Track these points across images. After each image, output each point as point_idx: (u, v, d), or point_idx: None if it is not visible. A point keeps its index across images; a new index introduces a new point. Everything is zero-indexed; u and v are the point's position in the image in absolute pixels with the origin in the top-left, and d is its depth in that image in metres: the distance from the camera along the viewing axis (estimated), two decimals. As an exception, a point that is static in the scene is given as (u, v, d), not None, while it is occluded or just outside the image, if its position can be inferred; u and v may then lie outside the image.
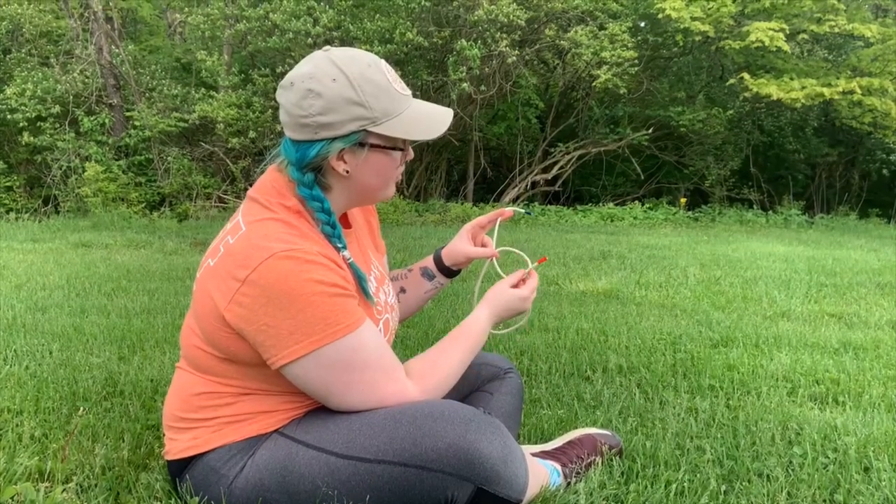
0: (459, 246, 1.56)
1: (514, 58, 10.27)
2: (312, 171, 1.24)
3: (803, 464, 1.63)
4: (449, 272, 1.60)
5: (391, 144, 1.25)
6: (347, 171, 1.25)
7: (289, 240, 1.16)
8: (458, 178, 14.06)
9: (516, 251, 1.59)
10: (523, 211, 1.68)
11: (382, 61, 1.25)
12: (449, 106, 10.75)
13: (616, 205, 12.62)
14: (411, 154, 1.33)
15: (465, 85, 9.98)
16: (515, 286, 1.45)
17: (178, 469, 1.30)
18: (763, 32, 10.72)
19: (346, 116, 1.19)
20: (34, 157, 10.55)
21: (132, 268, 4.93)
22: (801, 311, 3.68)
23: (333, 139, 1.21)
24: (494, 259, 1.54)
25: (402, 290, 1.60)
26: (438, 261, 1.59)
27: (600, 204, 12.59)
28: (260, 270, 1.13)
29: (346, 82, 1.18)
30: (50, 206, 10.55)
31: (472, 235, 1.58)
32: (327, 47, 1.25)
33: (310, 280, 1.14)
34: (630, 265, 5.47)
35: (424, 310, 3.30)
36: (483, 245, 1.58)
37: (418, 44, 9.99)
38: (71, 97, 10.38)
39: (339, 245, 1.24)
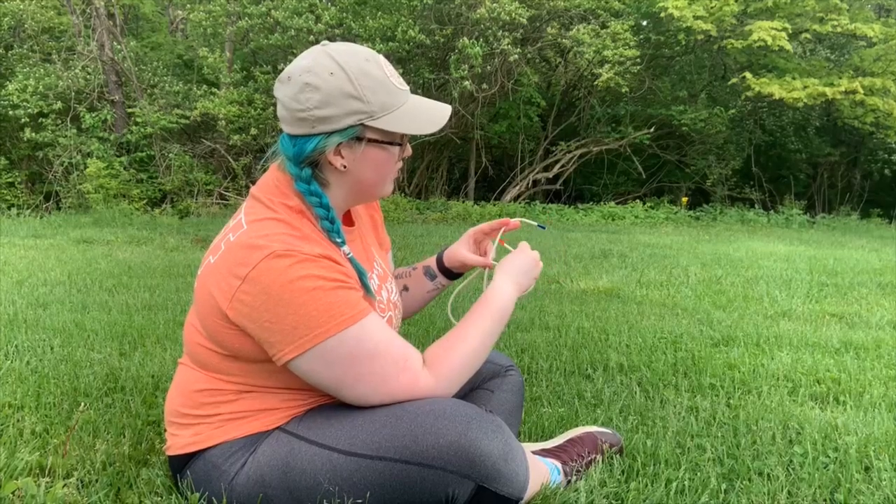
0: (459, 250, 1.55)
1: (516, 56, 10.27)
2: (310, 166, 1.24)
3: (804, 463, 1.63)
4: (450, 273, 1.59)
5: (389, 139, 1.25)
6: (345, 167, 1.24)
7: (289, 241, 1.16)
8: (460, 177, 14.07)
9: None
10: (535, 224, 1.60)
11: (380, 56, 1.25)
12: (450, 104, 10.72)
13: (617, 203, 12.62)
14: (409, 150, 1.32)
15: (466, 83, 9.98)
16: None
17: (180, 465, 1.30)
18: (765, 32, 10.72)
19: (344, 110, 1.19)
20: (36, 154, 10.56)
21: (133, 264, 4.94)
22: (802, 310, 3.68)
23: (331, 133, 1.20)
24: (487, 269, 1.52)
25: (405, 289, 1.60)
26: (440, 261, 1.59)
27: (601, 203, 12.60)
28: (260, 268, 1.13)
29: (343, 76, 1.18)
30: (51, 202, 10.57)
31: (475, 241, 1.56)
32: (325, 42, 1.25)
33: (309, 275, 1.14)
34: (631, 264, 5.47)
35: (426, 308, 3.29)
36: (485, 252, 1.57)
37: (420, 42, 9.99)
38: (73, 93, 10.39)
39: (339, 240, 1.24)
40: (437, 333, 2.83)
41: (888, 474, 1.58)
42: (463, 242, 1.55)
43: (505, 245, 1.53)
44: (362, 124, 1.21)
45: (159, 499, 1.37)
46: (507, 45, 10.03)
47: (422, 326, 3.00)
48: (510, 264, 1.41)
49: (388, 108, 1.22)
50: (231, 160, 10.82)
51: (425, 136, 1.28)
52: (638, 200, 12.69)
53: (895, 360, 2.68)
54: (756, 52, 11.69)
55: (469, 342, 1.28)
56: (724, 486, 1.50)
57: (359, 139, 1.22)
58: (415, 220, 10.16)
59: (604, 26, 11.19)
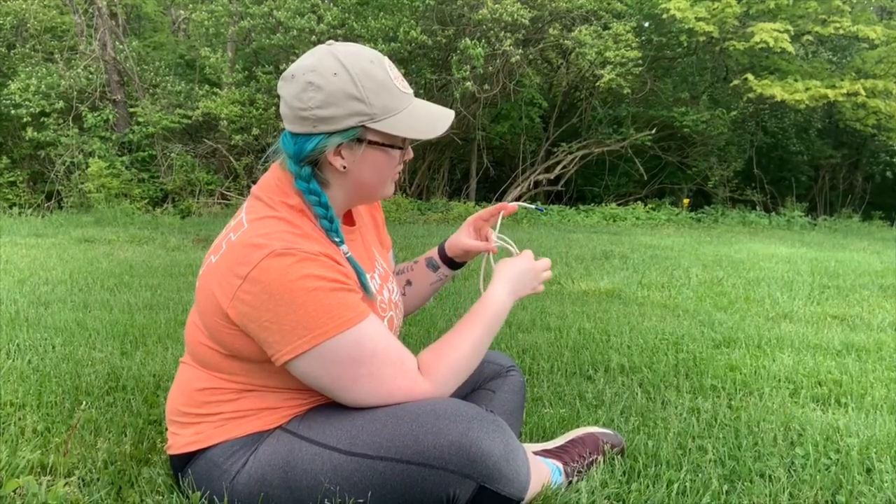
0: (460, 238, 1.55)
1: (518, 57, 10.27)
2: (310, 165, 1.24)
3: (805, 465, 1.62)
4: (453, 263, 1.59)
5: (389, 142, 1.25)
6: (345, 167, 1.24)
7: (289, 239, 1.16)
8: (461, 177, 14.07)
9: (511, 245, 1.52)
10: (533, 207, 1.61)
11: (385, 58, 1.25)
12: (452, 104, 10.69)
13: (619, 205, 12.61)
14: (410, 154, 1.32)
15: (468, 84, 9.98)
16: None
17: (181, 464, 1.30)
18: (768, 33, 10.71)
19: (345, 111, 1.19)
20: (38, 153, 10.57)
21: (135, 263, 4.94)
22: (803, 312, 3.68)
23: (331, 133, 1.20)
24: (491, 253, 1.52)
25: (409, 283, 1.60)
26: (442, 252, 1.59)
27: (603, 204, 12.59)
28: (261, 267, 1.13)
29: (347, 77, 1.18)
30: (53, 201, 10.57)
31: (474, 228, 1.56)
32: (330, 42, 1.25)
33: (310, 275, 1.14)
34: (632, 265, 5.47)
35: (426, 308, 3.29)
36: (486, 238, 1.57)
37: (422, 42, 9.99)
38: (75, 93, 10.40)
39: (337, 239, 1.24)
40: (437, 333, 2.82)
41: (890, 476, 1.57)
42: (463, 231, 1.56)
43: (510, 247, 1.51)
44: (363, 126, 1.21)
45: (160, 498, 1.37)
46: (509, 45, 10.03)
47: (423, 326, 3.00)
48: (510, 268, 1.40)
49: (390, 111, 1.21)
50: (233, 160, 10.82)
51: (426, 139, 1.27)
52: (639, 202, 12.68)
53: (897, 362, 2.67)
54: (758, 53, 11.69)
55: (461, 349, 1.28)
56: (725, 488, 1.50)
57: (359, 140, 1.22)
58: (416, 221, 10.16)
59: (606, 27, 11.19)
